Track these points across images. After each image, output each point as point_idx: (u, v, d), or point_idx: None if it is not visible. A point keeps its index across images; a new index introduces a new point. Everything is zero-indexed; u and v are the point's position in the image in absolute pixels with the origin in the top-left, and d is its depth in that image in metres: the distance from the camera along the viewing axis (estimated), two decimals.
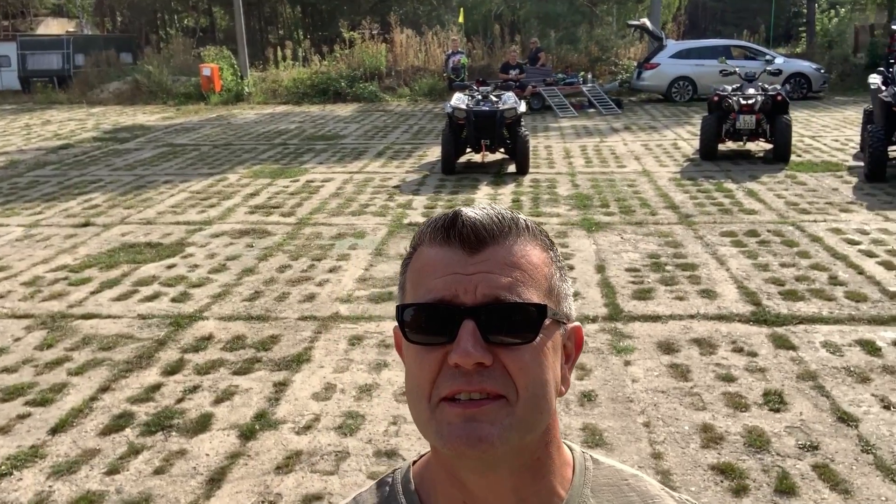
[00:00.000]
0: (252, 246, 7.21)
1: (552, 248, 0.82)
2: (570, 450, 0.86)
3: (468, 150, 10.85)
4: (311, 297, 5.79)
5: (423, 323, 0.77)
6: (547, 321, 0.77)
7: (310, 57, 23.86)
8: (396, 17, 24.38)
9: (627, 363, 4.55)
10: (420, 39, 23.79)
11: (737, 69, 11.68)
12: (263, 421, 3.96)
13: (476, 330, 0.73)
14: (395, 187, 9.88)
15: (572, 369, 0.83)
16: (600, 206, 8.52)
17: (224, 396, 4.24)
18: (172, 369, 4.60)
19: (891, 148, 9.19)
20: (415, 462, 0.91)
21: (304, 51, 24.40)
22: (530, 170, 10.53)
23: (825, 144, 12.04)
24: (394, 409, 4.05)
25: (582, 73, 19.29)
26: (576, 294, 5.70)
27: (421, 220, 8.09)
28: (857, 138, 11.71)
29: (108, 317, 5.48)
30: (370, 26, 23.57)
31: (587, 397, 4.14)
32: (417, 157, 12.18)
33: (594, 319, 5.21)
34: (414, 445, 3.69)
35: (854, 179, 9.39)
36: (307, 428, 3.88)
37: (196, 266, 6.63)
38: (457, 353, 0.73)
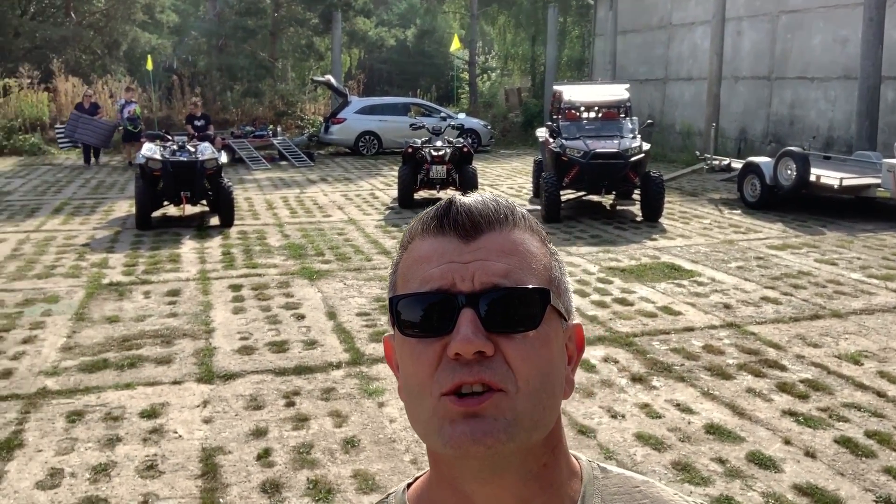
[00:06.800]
0: None
1: (549, 242, 0.79)
2: (577, 459, 0.83)
3: (165, 202, 10.19)
4: (7, 374, 4.95)
5: (420, 314, 0.72)
6: (548, 310, 0.73)
7: None
8: (60, 64, 22.29)
9: (381, 405, 4.55)
10: (89, 88, 21.99)
11: (425, 124, 12.52)
12: None
13: (476, 318, 0.70)
14: (83, 245, 8.92)
15: (575, 371, 0.80)
16: (315, 254, 8.50)
17: None
18: None
19: (562, 192, 10.45)
20: (409, 485, 0.84)
21: None
22: (235, 222, 10.19)
23: (503, 192, 13.34)
24: (141, 487, 3.60)
25: (271, 127, 19.28)
26: (313, 342, 5.59)
27: (123, 279, 7.39)
28: (530, 185, 13.17)
29: None
30: (29, 73, 21.17)
31: (350, 444, 4.05)
32: (103, 213, 11.14)
33: (338, 366, 5.15)
34: None
35: None
36: None
37: None
38: (456, 342, 0.69)
